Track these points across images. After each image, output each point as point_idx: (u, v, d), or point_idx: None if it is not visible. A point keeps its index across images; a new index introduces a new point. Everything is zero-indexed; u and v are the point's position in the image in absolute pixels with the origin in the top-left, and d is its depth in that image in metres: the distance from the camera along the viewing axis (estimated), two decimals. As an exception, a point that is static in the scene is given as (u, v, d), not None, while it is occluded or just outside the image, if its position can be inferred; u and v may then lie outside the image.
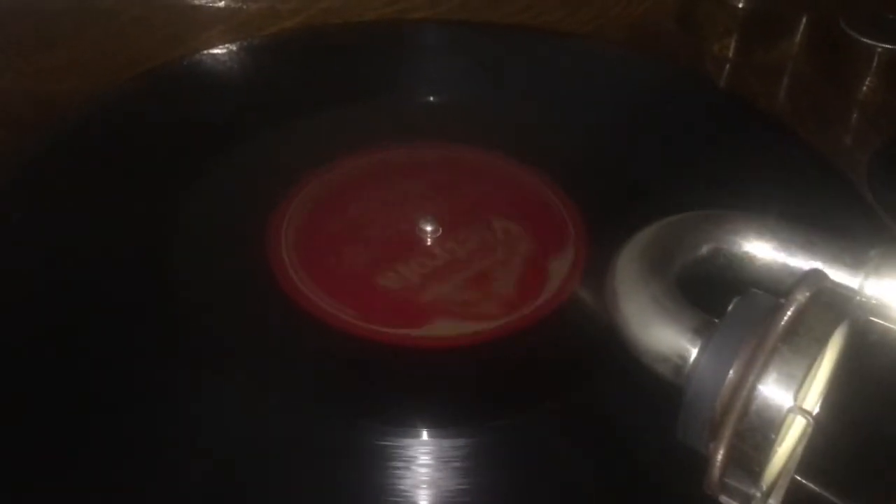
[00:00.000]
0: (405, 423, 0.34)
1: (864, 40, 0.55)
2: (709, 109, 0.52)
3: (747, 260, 0.33)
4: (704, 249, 0.34)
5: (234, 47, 0.54)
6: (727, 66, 0.60)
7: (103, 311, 0.38)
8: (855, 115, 0.56)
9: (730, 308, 0.28)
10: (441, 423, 0.34)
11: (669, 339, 0.30)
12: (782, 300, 0.28)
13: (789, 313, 0.26)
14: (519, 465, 0.33)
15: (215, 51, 0.54)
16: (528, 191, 0.46)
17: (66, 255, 0.40)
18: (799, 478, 0.30)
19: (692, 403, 0.28)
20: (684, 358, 0.29)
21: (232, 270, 0.41)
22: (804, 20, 0.60)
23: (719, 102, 0.54)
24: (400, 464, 0.32)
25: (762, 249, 0.33)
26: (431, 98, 0.53)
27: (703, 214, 0.35)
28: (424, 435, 0.33)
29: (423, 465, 0.32)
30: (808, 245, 0.33)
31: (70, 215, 0.42)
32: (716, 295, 0.32)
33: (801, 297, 0.27)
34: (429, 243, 0.42)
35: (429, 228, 0.42)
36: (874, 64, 0.55)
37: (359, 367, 0.37)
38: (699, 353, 0.28)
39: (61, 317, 0.37)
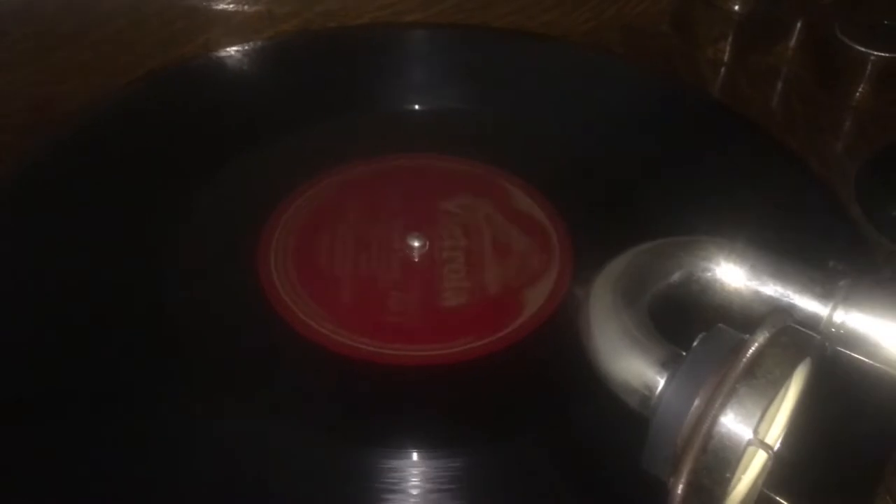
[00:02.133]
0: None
1: (858, 47, 0.55)
2: (697, 118, 0.53)
3: (718, 286, 0.34)
4: (677, 276, 0.35)
5: (232, 51, 0.55)
6: (721, 69, 0.60)
7: (95, 314, 0.39)
8: (847, 123, 0.56)
9: (695, 344, 0.29)
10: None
11: (637, 371, 0.30)
12: (745, 337, 0.29)
13: (748, 355, 0.27)
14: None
15: (214, 54, 0.55)
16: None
17: (56, 263, 0.41)
18: (767, 492, 0.31)
19: (656, 436, 0.29)
20: (651, 390, 0.30)
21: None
22: (799, 25, 0.60)
23: (708, 111, 0.54)
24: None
25: (733, 276, 0.34)
26: (417, 107, 0.53)
27: (676, 241, 0.35)
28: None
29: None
30: (779, 273, 0.33)
31: (61, 222, 0.43)
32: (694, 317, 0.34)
33: (761, 338, 0.28)
34: (418, 259, 0.43)
35: (416, 244, 0.43)
36: (867, 71, 0.55)
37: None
38: (664, 387, 0.29)
39: (51, 328, 0.38)
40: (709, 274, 0.34)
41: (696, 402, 0.28)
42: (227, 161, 0.48)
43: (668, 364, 0.30)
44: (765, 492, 0.30)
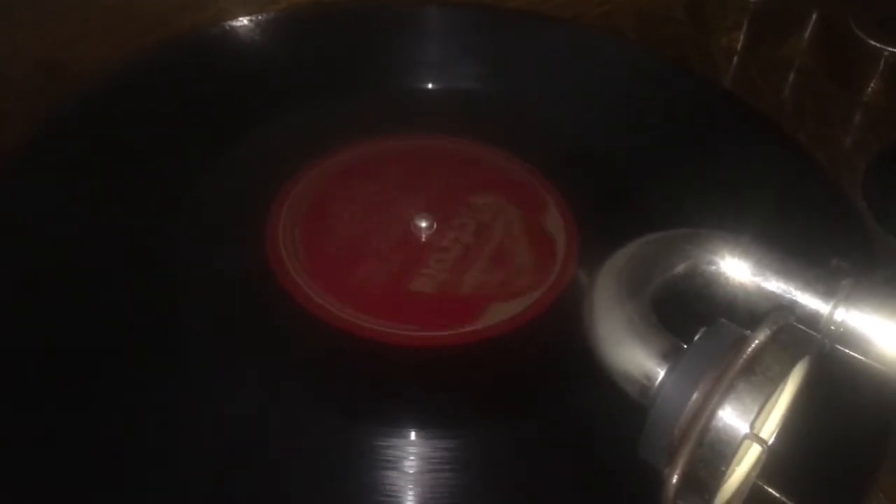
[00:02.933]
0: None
1: (872, 42, 0.55)
2: (707, 108, 0.53)
3: (723, 280, 0.35)
4: (682, 268, 0.35)
5: (245, 21, 0.55)
6: (734, 59, 0.60)
7: (100, 284, 0.39)
8: (857, 118, 0.56)
9: (696, 337, 0.30)
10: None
11: (638, 361, 0.31)
12: (746, 332, 0.29)
13: (748, 351, 0.28)
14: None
15: (227, 24, 0.55)
16: (510, 175, 0.48)
17: (60, 238, 0.41)
18: (761, 483, 0.32)
19: (654, 426, 0.29)
20: (651, 380, 0.30)
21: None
22: (814, 17, 0.60)
23: (719, 102, 0.54)
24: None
25: (738, 270, 0.34)
26: (426, 86, 0.53)
27: (681, 233, 0.36)
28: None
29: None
30: (783, 270, 0.34)
31: (67, 192, 0.43)
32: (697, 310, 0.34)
33: (762, 335, 0.28)
34: (427, 238, 0.43)
35: (423, 224, 0.43)
36: (880, 67, 0.55)
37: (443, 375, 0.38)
38: (664, 378, 0.30)
39: (54, 297, 0.39)
40: (713, 267, 0.35)
41: (695, 395, 0.28)
42: (241, 132, 0.48)
43: (669, 356, 0.30)
44: (758, 483, 0.31)
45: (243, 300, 0.40)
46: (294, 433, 0.35)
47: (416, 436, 0.35)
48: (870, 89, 0.56)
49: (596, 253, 0.36)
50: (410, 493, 0.33)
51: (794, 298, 0.33)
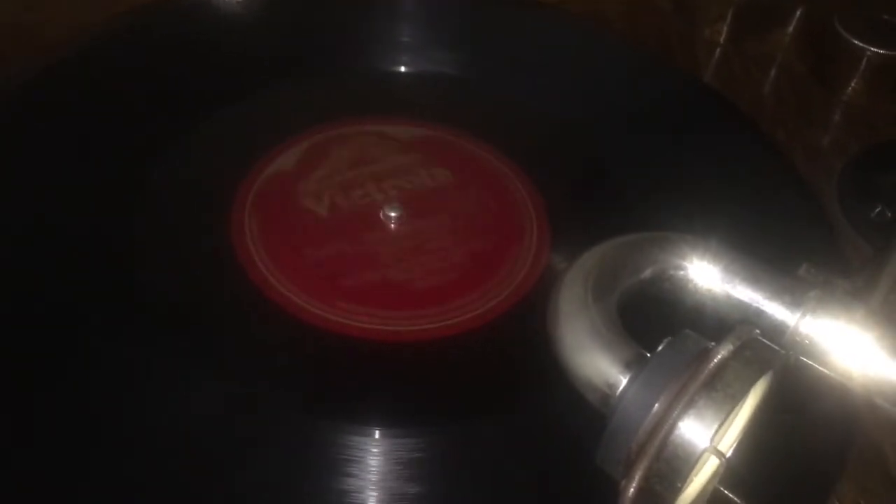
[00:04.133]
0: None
1: (856, 42, 0.54)
2: (685, 101, 0.52)
3: (691, 286, 0.34)
4: (649, 272, 0.34)
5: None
6: (717, 51, 0.59)
7: (62, 254, 0.38)
8: (837, 117, 0.56)
9: (659, 348, 0.29)
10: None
11: (601, 368, 0.30)
12: (710, 345, 0.29)
13: (710, 366, 0.27)
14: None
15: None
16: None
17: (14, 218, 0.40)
18: (721, 489, 0.31)
19: (613, 436, 0.29)
20: (612, 388, 0.30)
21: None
22: (798, 13, 0.59)
23: (697, 96, 0.53)
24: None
25: (706, 276, 0.34)
26: (399, 69, 0.52)
27: (651, 236, 0.35)
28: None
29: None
30: (751, 278, 0.33)
31: (33, 163, 0.42)
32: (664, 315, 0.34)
33: (725, 350, 0.28)
34: (397, 227, 0.42)
35: (393, 214, 0.42)
36: (862, 67, 0.55)
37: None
38: (626, 388, 0.29)
39: (15, 277, 0.37)
40: (681, 272, 0.34)
41: (656, 408, 0.28)
42: (208, 110, 0.47)
43: (632, 364, 0.30)
44: (720, 490, 0.31)
45: (205, 287, 0.39)
46: (253, 427, 0.34)
47: (381, 434, 0.34)
48: (850, 89, 0.56)
49: (568, 245, 0.36)
50: (373, 491, 0.33)
51: (761, 308, 0.33)
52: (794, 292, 0.33)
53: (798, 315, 0.33)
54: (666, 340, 0.30)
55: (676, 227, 0.37)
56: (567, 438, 0.35)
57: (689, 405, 0.27)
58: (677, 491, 0.27)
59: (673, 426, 0.27)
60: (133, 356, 0.35)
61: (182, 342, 0.36)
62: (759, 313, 0.32)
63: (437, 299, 0.40)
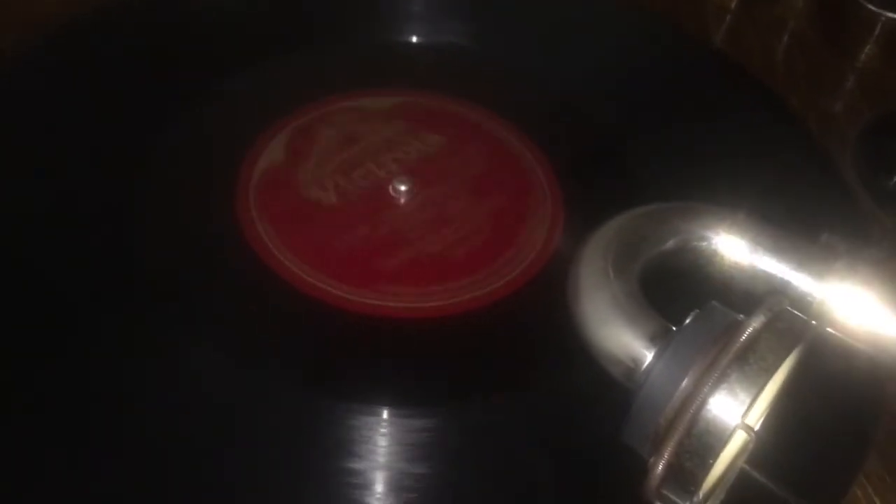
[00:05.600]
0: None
1: (870, 6, 0.53)
2: (697, 68, 0.51)
3: (715, 257, 0.33)
4: (671, 243, 0.33)
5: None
6: (728, 17, 0.58)
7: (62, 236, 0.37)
8: (850, 83, 0.54)
9: (687, 321, 0.28)
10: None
11: (625, 343, 0.30)
12: (739, 317, 0.28)
13: (742, 339, 0.26)
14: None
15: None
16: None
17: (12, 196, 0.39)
18: (748, 468, 0.31)
19: (640, 412, 0.28)
20: (637, 363, 0.29)
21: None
22: (811, -23, 0.58)
23: (709, 62, 0.52)
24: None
25: (731, 248, 0.33)
26: (409, 39, 0.51)
27: (672, 207, 0.34)
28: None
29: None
30: (777, 249, 0.32)
31: (30, 141, 0.41)
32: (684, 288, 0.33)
33: (757, 322, 0.27)
34: (406, 202, 0.41)
35: (403, 188, 0.41)
36: (876, 32, 0.54)
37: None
38: (652, 362, 0.28)
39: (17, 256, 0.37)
40: (704, 243, 0.33)
41: (685, 383, 0.27)
42: (214, 83, 0.45)
43: (657, 338, 0.29)
44: (745, 468, 0.30)
45: (210, 261, 0.38)
46: (258, 404, 0.33)
47: (389, 413, 0.33)
48: (864, 54, 0.55)
49: (582, 219, 0.35)
50: (380, 474, 0.32)
51: (787, 279, 0.32)
52: (819, 262, 0.32)
53: (825, 285, 0.32)
54: (693, 313, 0.29)
55: (689, 194, 0.36)
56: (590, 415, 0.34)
57: (721, 379, 0.26)
58: (708, 467, 0.26)
59: (704, 401, 0.26)
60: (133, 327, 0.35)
61: (222, 338, 0.35)
62: (785, 284, 0.32)
63: (474, 266, 0.39)
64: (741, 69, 0.52)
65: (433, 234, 0.40)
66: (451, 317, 0.37)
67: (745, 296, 0.32)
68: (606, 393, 0.31)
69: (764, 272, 0.32)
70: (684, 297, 0.30)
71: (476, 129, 0.46)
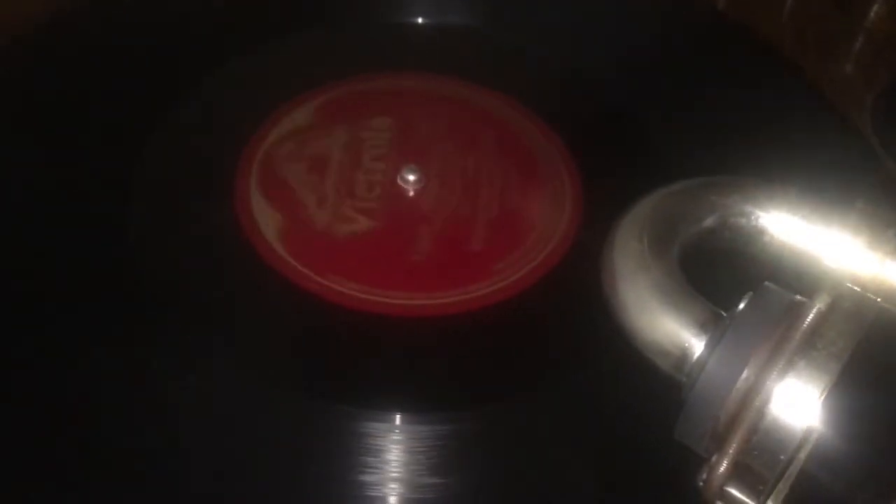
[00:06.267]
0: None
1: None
2: (704, 37, 0.49)
3: (762, 234, 0.31)
4: (710, 221, 0.31)
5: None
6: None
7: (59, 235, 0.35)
8: (859, 44, 0.52)
9: (742, 305, 0.26)
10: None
11: (672, 332, 0.27)
12: (798, 298, 0.26)
13: (807, 323, 0.24)
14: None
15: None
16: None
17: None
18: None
19: (695, 406, 0.26)
20: (687, 353, 0.27)
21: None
22: (815, -65, 0.55)
23: (716, 29, 0.50)
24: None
25: (780, 224, 0.31)
26: (414, 20, 0.48)
27: (710, 182, 0.32)
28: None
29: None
30: (826, 223, 0.30)
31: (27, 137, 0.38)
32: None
33: (822, 303, 0.24)
34: (416, 193, 0.39)
35: (412, 177, 0.38)
36: (885, -10, 0.52)
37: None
38: (706, 352, 0.26)
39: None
40: (743, 221, 0.31)
41: (745, 373, 0.25)
42: (210, 70, 0.43)
43: (708, 325, 0.27)
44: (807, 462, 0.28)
45: (209, 262, 0.36)
46: (261, 412, 0.31)
47: (402, 419, 0.31)
48: (873, 14, 0.52)
49: (604, 204, 0.32)
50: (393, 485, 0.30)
51: (841, 254, 0.29)
52: (869, 234, 0.30)
53: (878, 258, 0.30)
54: (747, 295, 0.26)
55: (706, 168, 0.34)
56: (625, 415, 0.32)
57: (788, 368, 0.24)
58: (780, 465, 0.24)
59: (770, 393, 0.24)
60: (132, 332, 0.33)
61: (229, 344, 0.33)
62: (841, 260, 0.29)
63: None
64: (745, 31, 0.49)
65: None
66: (470, 313, 0.35)
67: (796, 275, 0.29)
68: (641, 391, 0.29)
69: (814, 249, 0.29)
70: (715, 280, 0.28)
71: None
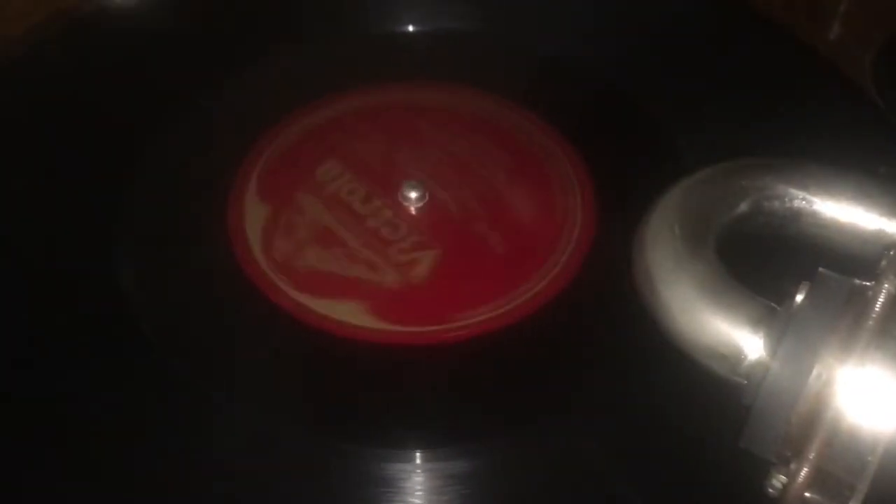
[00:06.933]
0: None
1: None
2: (703, 18, 0.47)
3: (792, 216, 0.29)
4: (742, 207, 0.29)
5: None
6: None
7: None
8: (843, 6, 0.51)
9: (801, 298, 0.24)
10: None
11: (723, 332, 0.25)
12: (860, 283, 0.24)
13: (878, 308, 0.22)
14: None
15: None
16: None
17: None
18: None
19: (763, 411, 0.24)
20: (744, 354, 0.25)
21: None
22: None
23: (714, 10, 0.48)
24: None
25: (818, 204, 0.29)
26: (405, 29, 0.45)
27: (734, 166, 0.30)
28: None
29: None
30: (873, 203, 0.28)
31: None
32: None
33: (891, 285, 0.23)
34: (417, 211, 0.36)
35: (413, 195, 0.36)
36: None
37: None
38: (767, 352, 0.24)
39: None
40: (778, 204, 0.29)
41: (815, 371, 0.23)
42: (203, 87, 0.40)
43: (763, 322, 0.25)
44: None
45: (203, 290, 0.34)
46: (259, 446, 0.29)
47: (421, 457, 0.29)
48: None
49: (618, 210, 0.31)
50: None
51: (891, 233, 0.27)
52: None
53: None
54: (805, 285, 0.24)
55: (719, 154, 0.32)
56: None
57: (862, 361, 0.22)
58: (867, 467, 0.22)
59: (847, 389, 0.22)
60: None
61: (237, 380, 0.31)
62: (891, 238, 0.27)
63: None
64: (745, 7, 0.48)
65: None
66: (489, 334, 0.33)
67: (846, 258, 0.27)
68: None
69: (868, 230, 0.27)
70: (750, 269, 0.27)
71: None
